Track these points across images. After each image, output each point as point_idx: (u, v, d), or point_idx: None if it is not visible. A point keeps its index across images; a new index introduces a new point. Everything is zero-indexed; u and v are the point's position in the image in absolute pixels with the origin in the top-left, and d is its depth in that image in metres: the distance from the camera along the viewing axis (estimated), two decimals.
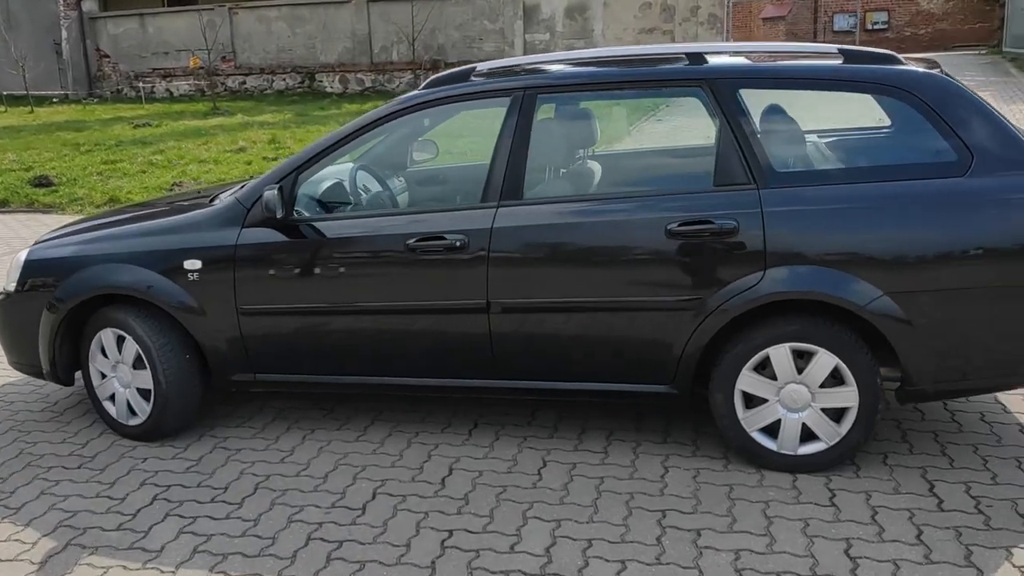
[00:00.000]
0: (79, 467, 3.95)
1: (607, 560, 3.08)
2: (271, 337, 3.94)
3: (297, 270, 3.87)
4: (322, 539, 3.29)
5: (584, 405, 4.26)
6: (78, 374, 4.38)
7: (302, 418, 4.34)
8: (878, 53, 3.64)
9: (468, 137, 6.07)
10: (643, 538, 3.20)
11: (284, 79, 22.88)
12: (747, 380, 3.55)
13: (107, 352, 4.13)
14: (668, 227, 3.49)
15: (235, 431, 4.24)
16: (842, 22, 34.65)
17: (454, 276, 3.71)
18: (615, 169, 4.08)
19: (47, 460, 4.03)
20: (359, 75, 22.43)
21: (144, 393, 4.09)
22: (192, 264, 3.92)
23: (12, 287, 4.24)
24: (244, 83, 23.17)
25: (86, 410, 4.57)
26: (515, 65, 4.04)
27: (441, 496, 3.55)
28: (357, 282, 3.82)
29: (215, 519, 3.46)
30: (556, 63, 3.98)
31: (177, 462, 3.96)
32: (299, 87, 22.75)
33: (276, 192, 3.73)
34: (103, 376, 4.20)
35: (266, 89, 22.94)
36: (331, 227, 3.86)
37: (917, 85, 3.45)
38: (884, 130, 3.67)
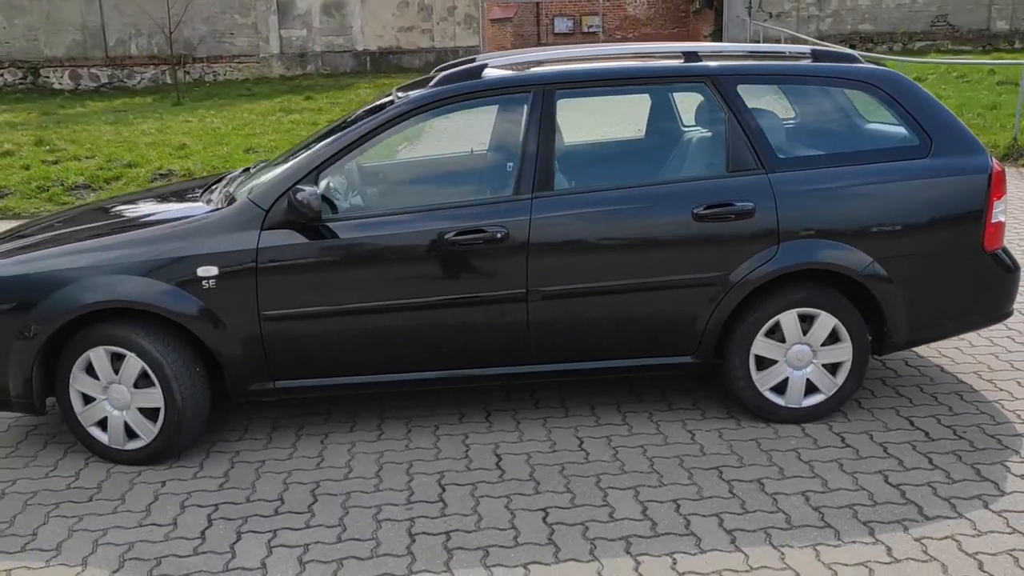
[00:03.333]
0: (91, 499, 3.61)
1: (703, 516, 3.37)
2: (297, 342, 3.81)
3: (327, 270, 3.78)
4: (426, 533, 3.30)
5: (573, 384, 4.49)
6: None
7: (305, 424, 4.22)
8: (841, 52, 4.21)
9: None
10: (719, 493, 3.53)
11: (1, 75, 20.59)
12: (761, 345, 3.98)
13: (98, 373, 3.77)
14: (694, 211, 3.83)
15: (241, 444, 4.05)
16: (562, 25, 36.79)
17: (493, 267, 3.81)
18: (634, 158, 4.34)
19: (45, 497, 3.63)
20: (93, 70, 20.70)
21: (149, 413, 3.79)
22: (207, 271, 3.70)
23: None
24: None
25: (45, 441, 4.13)
26: (524, 62, 4.18)
27: (509, 479, 3.65)
28: (392, 279, 3.80)
29: (296, 530, 3.34)
30: (561, 60, 4.18)
31: (203, 480, 3.72)
32: (21, 84, 20.57)
33: (317, 192, 3.62)
34: (86, 400, 3.83)
35: None
36: (361, 225, 3.81)
37: (883, 81, 4.04)
38: (861, 118, 4.27)
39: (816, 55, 4.19)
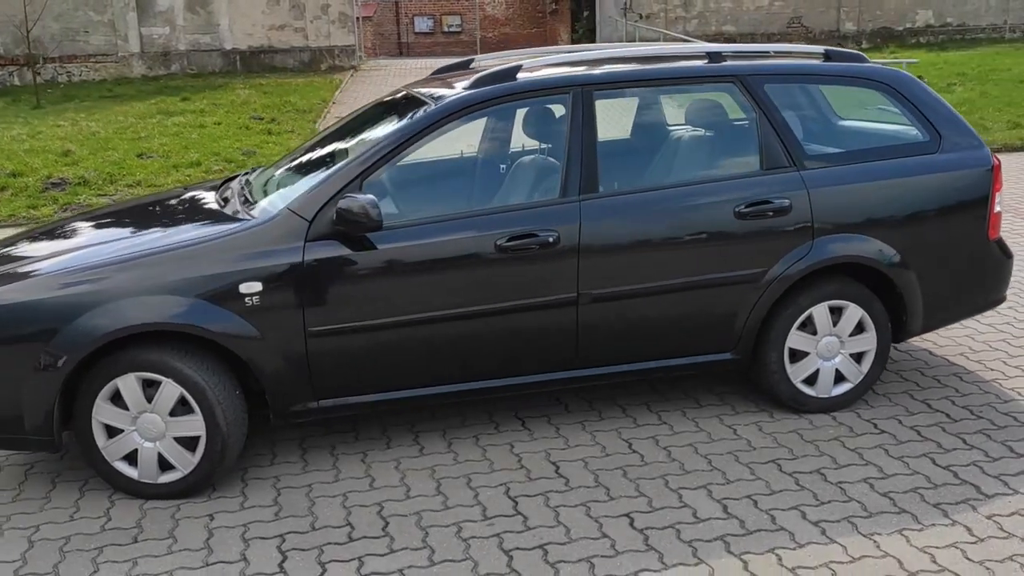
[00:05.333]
0: (136, 540, 3.30)
1: (784, 510, 3.41)
2: (344, 358, 3.61)
3: (376, 282, 3.60)
4: (520, 548, 3.19)
5: (592, 387, 4.44)
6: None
7: (336, 443, 4.01)
8: (852, 53, 4.36)
9: None
10: (787, 486, 3.58)
11: None
12: (795, 338, 4.08)
13: (127, 402, 3.46)
14: (736, 209, 3.89)
15: (277, 468, 3.80)
16: (422, 24, 36.63)
17: (545, 272, 3.74)
18: (670, 157, 4.32)
19: (81, 542, 3.29)
20: None
21: (187, 442, 3.51)
22: (250, 287, 3.45)
23: None
24: None
25: (52, 480, 3.74)
26: (557, 62, 4.11)
27: (577, 487, 3.59)
28: (441, 288, 3.66)
29: (382, 555, 3.17)
30: (593, 61, 4.15)
31: (256, 511, 3.47)
32: None
33: (374, 199, 3.44)
34: (111, 433, 3.51)
35: None
36: (408, 233, 3.64)
37: (895, 80, 4.21)
38: (872, 116, 4.43)
39: (828, 55, 4.33)
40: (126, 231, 3.96)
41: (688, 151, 4.24)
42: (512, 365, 3.84)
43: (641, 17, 21.39)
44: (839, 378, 4.18)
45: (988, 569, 3.04)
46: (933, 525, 3.29)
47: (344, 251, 3.55)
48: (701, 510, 3.42)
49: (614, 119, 4.28)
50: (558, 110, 3.98)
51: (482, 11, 37.71)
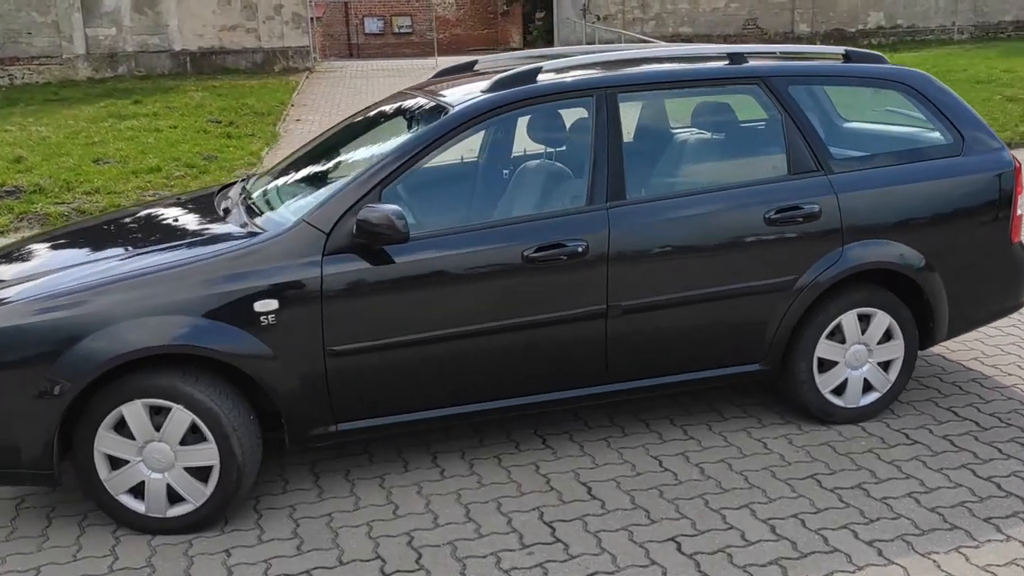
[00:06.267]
0: None
1: (833, 529, 3.27)
2: (365, 378, 3.39)
3: (400, 297, 3.38)
4: None
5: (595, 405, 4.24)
6: None
7: (350, 468, 3.77)
8: (871, 54, 4.25)
9: None
10: (831, 503, 3.44)
11: None
12: (824, 347, 3.95)
13: (133, 431, 3.19)
14: (766, 215, 3.75)
15: (291, 497, 3.56)
16: (372, 25, 36.21)
17: (573, 283, 3.56)
18: (695, 162, 4.15)
19: None
20: None
21: (198, 472, 3.25)
22: (266, 306, 3.21)
23: None
24: None
25: (46, 515, 3.45)
26: (575, 64, 3.93)
27: (614, 510, 3.41)
28: (466, 302, 3.45)
29: None
30: (612, 63, 3.98)
31: (275, 545, 3.23)
32: None
33: (399, 210, 3.22)
34: (114, 465, 3.24)
35: None
36: (430, 245, 3.43)
37: (917, 81, 4.12)
38: (893, 118, 4.34)
39: (848, 56, 4.21)
40: (126, 247, 3.67)
41: (714, 156, 4.09)
42: (541, 381, 3.66)
43: (599, 19, 21.32)
44: (867, 387, 4.07)
45: None
46: (988, 541, 3.18)
47: (364, 265, 3.33)
48: (749, 532, 3.27)
49: (633, 123, 4.11)
50: (580, 113, 3.81)
51: (433, 12, 37.39)
